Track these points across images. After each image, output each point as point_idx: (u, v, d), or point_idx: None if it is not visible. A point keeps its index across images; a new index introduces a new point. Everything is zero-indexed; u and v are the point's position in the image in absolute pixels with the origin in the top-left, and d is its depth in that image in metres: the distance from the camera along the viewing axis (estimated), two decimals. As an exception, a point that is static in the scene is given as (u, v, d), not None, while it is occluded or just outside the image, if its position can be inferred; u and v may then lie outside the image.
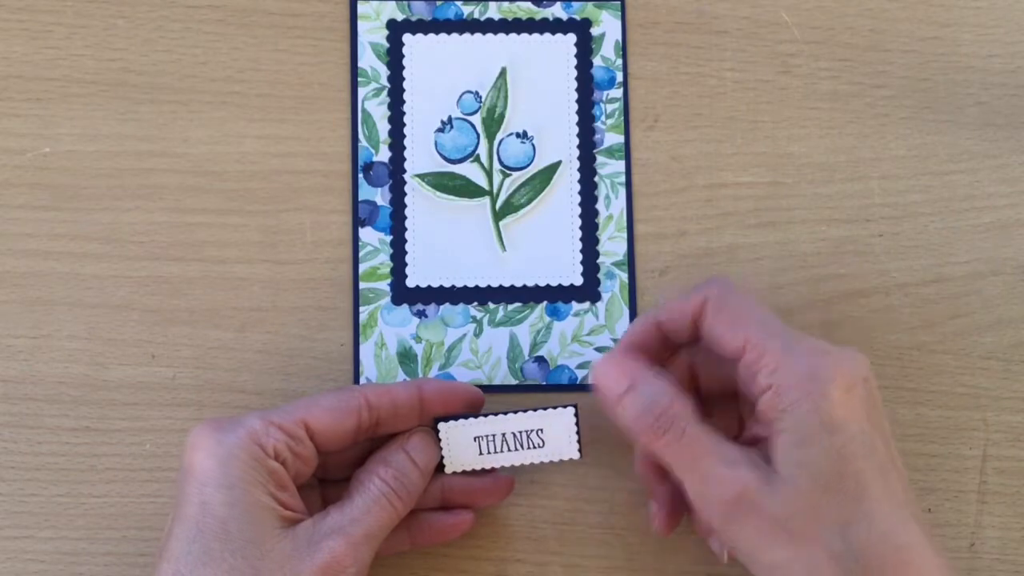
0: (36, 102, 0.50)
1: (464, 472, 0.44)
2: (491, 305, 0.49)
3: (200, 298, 0.49)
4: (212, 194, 0.49)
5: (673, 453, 0.39)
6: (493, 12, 0.51)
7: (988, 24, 0.52)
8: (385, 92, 0.50)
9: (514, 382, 0.49)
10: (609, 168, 0.50)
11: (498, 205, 0.50)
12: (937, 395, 0.49)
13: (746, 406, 0.43)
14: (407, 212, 0.50)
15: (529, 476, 0.47)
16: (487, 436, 0.43)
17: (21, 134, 0.49)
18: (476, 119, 0.50)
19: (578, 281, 0.49)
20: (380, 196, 0.50)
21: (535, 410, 0.43)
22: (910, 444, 0.49)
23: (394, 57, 0.51)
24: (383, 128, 0.50)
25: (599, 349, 0.49)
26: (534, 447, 0.43)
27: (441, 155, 0.50)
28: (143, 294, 0.48)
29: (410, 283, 0.49)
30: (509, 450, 0.43)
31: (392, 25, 0.51)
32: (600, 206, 0.50)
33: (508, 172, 0.50)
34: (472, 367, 0.49)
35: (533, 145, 0.50)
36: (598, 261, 0.49)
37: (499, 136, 0.50)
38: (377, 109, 0.50)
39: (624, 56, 0.51)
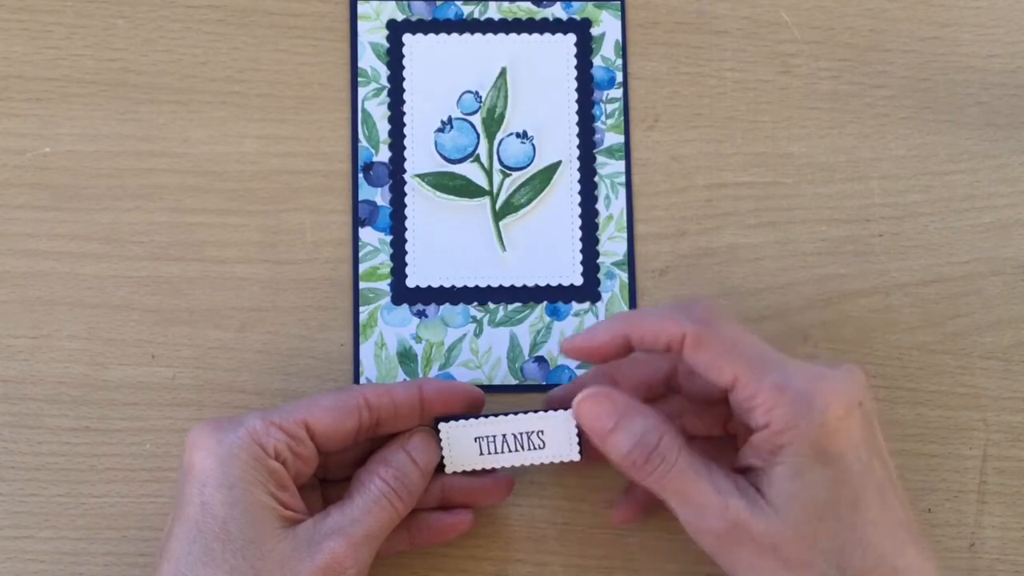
0: (36, 102, 0.50)
1: (464, 472, 0.44)
2: (491, 305, 0.49)
3: (200, 298, 0.49)
4: (212, 194, 0.49)
5: (664, 486, 0.40)
6: (493, 12, 0.51)
7: (988, 24, 0.52)
8: (385, 92, 0.50)
9: (514, 382, 0.49)
10: (609, 168, 0.50)
11: (498, 205, 0.50)
12: (937, 395, 0.49)
13: (739, 425, 0.42)
14: (407, 212, 0.50)
15: (529, 476, 0.47)
16: (488, 437, 0.43)
17: (21, 134, 0.49)
18: (476, 119, 0.50)
19: (578, 281, 0.49)
20: (380, 196, 0.50)
21: (536, 411, 0.43)
22: (910, 444, 0.49)
23: (394, 57, 0.51)
24: (383, 128, 0.50)
25: (599, 349, 0.49)
26: (535, 448, 0.43)
27: (441, 155, 0.50)
28: (143, 294, 0.48)
29: (410, 283, 0.49)
30: (510, 451, 0.43)
31: (392, 25, 0.51)
32: (600, 206, 0.50)
33: (508, 172, 0.50)
34: (472, 367, 0.49)
35: (533, 145, 0.50)
36: (598, 261, 0.49)
37: (499, 136, 0.50)
38: (377, 109, 0.50)
39: (624, 56, 0.51)
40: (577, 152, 0.50)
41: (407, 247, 0.49)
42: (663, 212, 0.50)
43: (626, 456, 0.40)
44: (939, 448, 0.49)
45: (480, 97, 0.50)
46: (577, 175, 0.50)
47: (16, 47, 0.50)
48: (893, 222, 0.50)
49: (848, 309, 0.50)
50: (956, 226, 0.50)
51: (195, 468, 0.39)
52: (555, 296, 0.49)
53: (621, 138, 0.50)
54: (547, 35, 0.51)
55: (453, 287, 0.49)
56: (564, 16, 0.51)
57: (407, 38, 0.51)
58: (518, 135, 0.50)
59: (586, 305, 0.49)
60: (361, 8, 0.51)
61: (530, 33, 0.51)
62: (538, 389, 0.48)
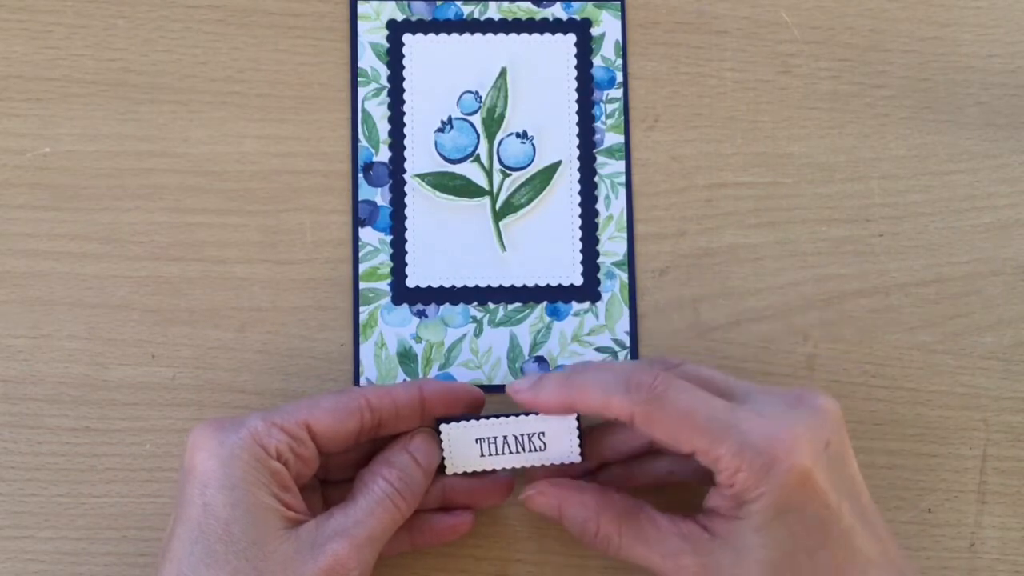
0: (36, 102, 0.50)
1: (465, 474, 0.44)
2: (491, 305, 0.49)
3: (200, 298, 0.49)
4: (212, 194, 0.49)
5: (620, 558, 0.42)
6: (493, 12, 0.51)
7: (988, 24, 0.52)
8: (385, 92, 0.50)
9: (514, 382, 0.49)
10: (609, 168, 0.50)
11: (498, 205, 0.50)
12: (937, 395, 0.49)
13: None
14: (407, 212, 0.50)
15: (530, 477, 0.47)
16: (489, 438, 0.43)
17: (21, 134, 0.49)
18: (476, 119, 0.50)
19: (578, 281, 0.49)
20: (380, 196, 0.50)
21: (537, 414, 0.43)
22: (910, 444, 0.49)
23: (394, 57, 0.51)
24: (383, 128, 0.50)
25: (599, 349, 0.49)
26: (535, 450, 0.43)
27: (441, 155, 0.50)
28: (143, 294, 0.48)
29: (410, 283, 0.49)
30: (511, 452, 0.43)
31: (392, 25, 0.51)
32: (600, 206, 0.50)
33: (508, 172, 0.50)
34: (472, 367, 0.49)
35: (533, 145, 0.50)
36: (598, 261, 0.49)
37: (499, 136, 0.50)
38: (377, 109, 0.50)
39: (624, 56, 0.51)
40: (577, 152, 0.50)
41: (407, 247, 0.49)
42: (663, 212, 0.50)
43: (580, 538, 0.43)
44: (939, 448, 0.49)
45: (480, 97, 0.50)
46: (577, 175, 0.50)
47: (16, 47, 0.50)
48: (893, 222, 0.50)
49: (848, 309, 0.50)
50: (956, 226, 0.50)
51: (196, 469, 0.39)
52: (555, 296, 0.49)
53: (621, 138, 0.50)
54: (547, 35, 0.51)
55: (453, 287, 0.49)
56: (564, 16, 0.51)
57: (407, 38, 0.51)
58: (518, 135, 0.50)
59: (586, 305, 0.49)
60: (361, 8, 0.51)
61: (530, 33, 0.51)
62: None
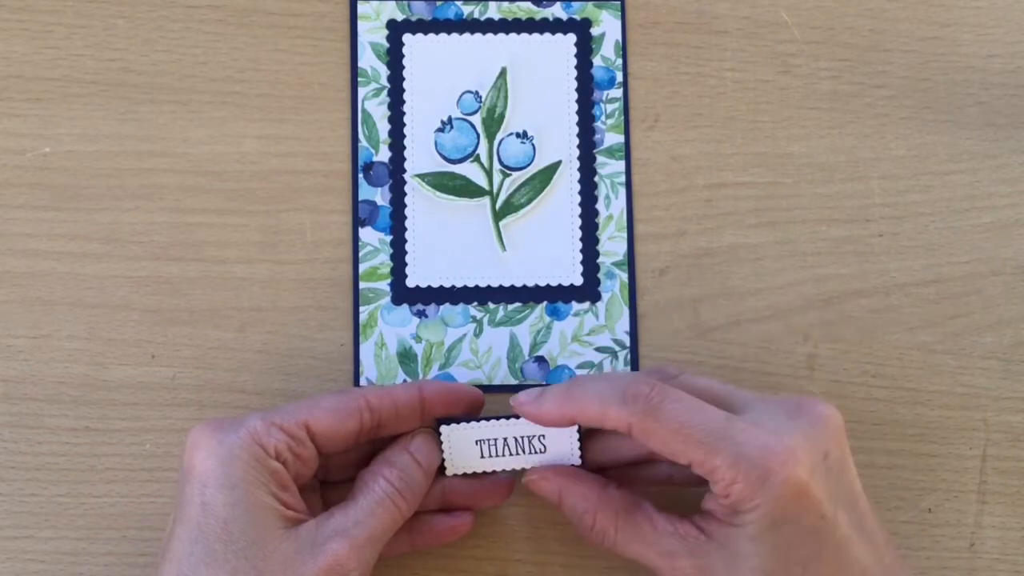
0: (36, 102, 0.50)
1: (465, 475, 0.44)
2: (491, 305, 0.49)
3: (200, 298, 0.49)
4: (212, 194, 0.49)
5: (615, 553, 0.42)
6: (493, 12, 0.51)
7: (988, 24, 0.52)
8: (385, 92, 0.50)
9: (514, 382, 0.49)
10: (609, 168, 0.50)
11: (498, 205, 0.50)
12: (937, 395, 0.49)
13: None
14: (407, 212, 0.50)
15: (529, 476, 0.47)
16: (489, 440, 0.43)
17: (21, 134, 0.49)
18: (476, 119, 0.50)
19: (578, 281, 0.49)
20: (380, 196, 0.50)
21: None
22: (910, 444, 0.49)
23: (394, 57, 0.51)
24: (383, 128, 0.50)
25: (599, 349, 0.49)
26: (536, 452, 0.43)
27: (441, 155, 0.50)
28: (143, 294, 0.48)
29: (410, 283, 0.49)
30: (511, 454, 0.43)
31: (392, 25, 0.51)
32: (600, 206, 0.50)
33: (508, 172, 0.50)
34: (472, 367, 0.49)
35: (533, 145, 0.50)
36: (598, 261, 0.49)
37: (499, 136, 0.50)
38: (377, 109, 0.50)
39: (624, 56, 0.51)
40: (577, 152, 0.50)
41: (407, 247, 0.49)
42: (663, 212, 0.50)
43: (577, 527, 0.43)
44: (939, 448, 0.49)
45: (480, 97, 0.50)
46: (577, 175, 0.50)
47: (16, 47, 0.50)
48: (893, 222, 0.50)
49: (848, 309, 0.50)
50: (956, 226, 0.50)
51: (196, 469, 0.39)
52: (555, 296, 0.49)
53: (621, 138, 0.50)
54: (547, 35, 0.51)
55: (453, 287, 0.49)
56: (564, 16, 0.51)
57: (407, 38, 0.51)
58: (518, 135, 0.50)
59: (586, 305, 0.49)
60: (361, 8, 0.51)
61: (530, 33, 0.51)
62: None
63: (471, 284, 0.49)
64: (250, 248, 0.49)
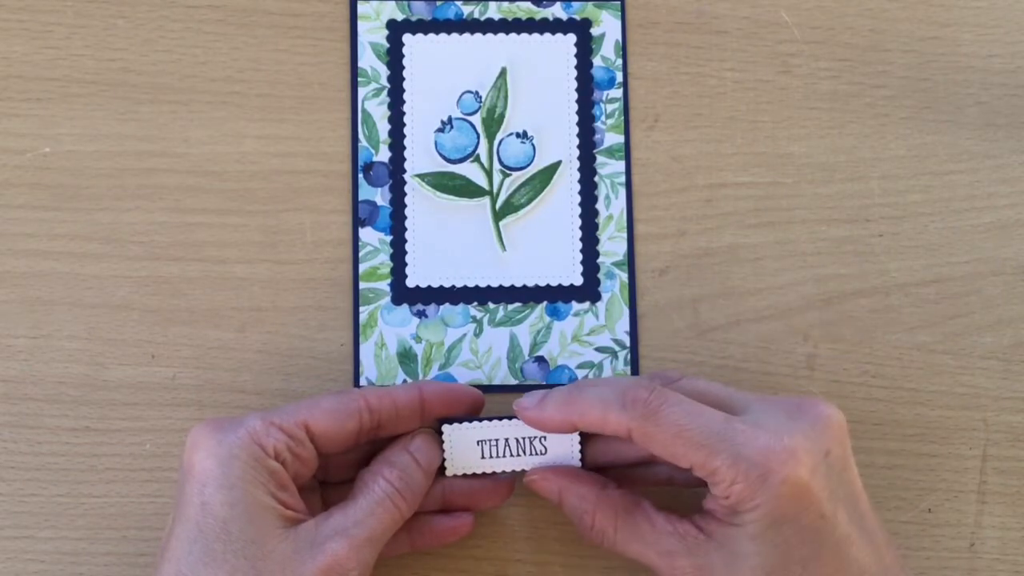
0: (36, 102, 0.50)
1: (465, 475, 0.44)
2: (491, 305, 0.49)
3: (200, 298, 0.49)
4: (212, 194, 0.49)
5: (615, 552, 0.42)
6: (493, 12, 0.51)
7: (988, 24, 0.52)
8: (385, 92, 0.50)
9: (514, 382, 0.49)
10: (609, 168, 0.50)
11: (498, 205, 0.50)
12: (937, 395, 0.49)
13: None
14: (407, 212, 0.50)
15: (529, 476, 0.47)
16: (490, 440, 0.43)
17: (21, 134, 0.49)
18: (476, 119, 0.50)
19: (578, 281, 0.49)
20: (380, 196, 0.50)
21: None
22: (910, 444, 0.49)
23: (394, 57, 0.51)
24: (383, 128, 0.50)
25: (599, 349, 0.49)
26: (536, 453, 0.44)
27: (441, 155, 0.50)
28: (143, 294, 0.48)
29: (410, 283, 0.49)
30: (511, 455, 0.44)
31: (392, 25, 0.51)
32: (600, 206, 0.50)
33: (508, 172, 0.50)
34: (472, 367, 0.49)
35: (533, 145, 0.50)
36: (598, 261, 0.49)
37: (499, 136, 0.50)
38: (377, 109, 0.50)
39: (624, 56, 0.51)
40: (577, 152, 0.50)
41: (407, 247, 0.49)
42: (663, 212, 0.50)
43: (578, 526, 0.43)
44: (939, 448, 0.49)
45: (480, 97, 0.50)
46: (577, 175, 0.50)
47: (16, 47, 0.50)
48: (893, 222, 0.50)
49: (848, 309, 0.50)
50: (956, 226, 0.50)
51: (195, 468, 0.39)
52: (555, 296, 0.49)
53: (621, 138, 0.50)
54: (547, 35, 0.51)
55: (453, 287, 0.49)
56: (564, 16, 0.51)
57: (407, 38, 0.51)
58: (518, 135, 0.50)
59: (586, 305, 0.49)
60: (361, 8, 0.51)
61: (530, 33, 0.51)
62: (538, 389, 0.48)
63: (471, 284, 0.49)
64: (250, 248, 0.49)
